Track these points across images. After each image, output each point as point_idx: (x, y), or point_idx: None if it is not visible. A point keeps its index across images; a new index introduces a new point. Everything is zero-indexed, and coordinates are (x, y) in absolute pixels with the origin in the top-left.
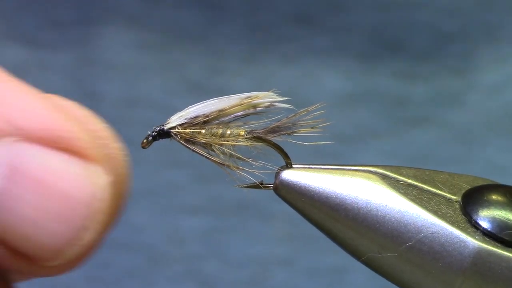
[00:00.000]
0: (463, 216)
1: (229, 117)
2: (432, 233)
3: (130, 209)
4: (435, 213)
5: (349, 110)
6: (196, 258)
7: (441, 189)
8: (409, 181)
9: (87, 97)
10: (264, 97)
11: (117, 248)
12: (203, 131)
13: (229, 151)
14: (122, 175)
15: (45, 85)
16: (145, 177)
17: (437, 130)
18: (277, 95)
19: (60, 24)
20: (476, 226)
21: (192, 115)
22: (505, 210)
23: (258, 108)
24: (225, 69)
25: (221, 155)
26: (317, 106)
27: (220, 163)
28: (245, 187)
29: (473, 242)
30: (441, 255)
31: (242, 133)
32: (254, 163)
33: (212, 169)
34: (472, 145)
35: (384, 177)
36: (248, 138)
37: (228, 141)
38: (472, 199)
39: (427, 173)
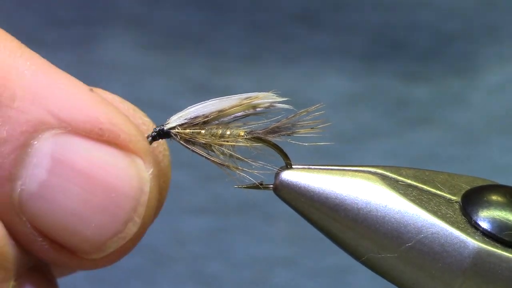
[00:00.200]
0: (463, 217)
1: (229, 117)
2: (432, 234)
3: None
4: (435, 213)
5: (351, 110)
6: (198, 258)
7: (441, 190)
8: (409, 181)
9: None
10: (264, 98)
11: None
12: (203, 131)
13: (228, 151)
14: (164, 167)
15: None
16: None
17: (439, 130)
18: (276, 96)
19: (62, 24)
20: (476, 227)
21: (192, 115)
22: (505, 210)
23: (258, 109)
24: (227, 69)
25: (221, 155)
26: (317, 106)
27: (220, 164)
28: (244, 187)
29: (473, 242)
30: (441, 255)
31: (242, 133)
32: (253, 163)
33: (215, 170)
34: (474, 145)
35: (384, 178)
36: (248, 139)
37: (227, 141)
38: (472, 199)
39: (427, 174)
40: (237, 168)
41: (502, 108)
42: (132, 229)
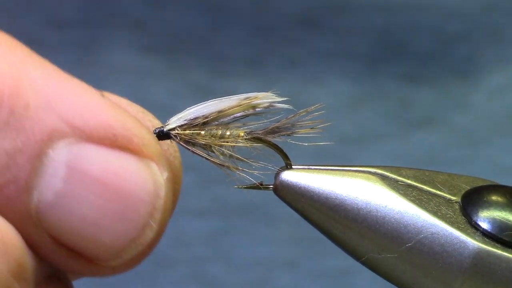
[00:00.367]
0: (463, 217)
1: (228, 118)
2: (432, 234)
3: None
4: (435, 213)
5: (354, 112)
6: (201, 260)
7: (441, 190)
8: (409, 181)
9: None
10: (264, 98)
11: None
12: (202, 132)
13: (228, 152)
14: (176, 170)
15: None
16: None
17: (442, 132)
18: (276, 96)
19: (64, 26)
20: (476, 227)
21: (192, 116)
22: (505, 211)
23: (257, 109)
24: (229, 72)
25: (221, 156)
26: (317, 107)
27: (220, 164)
28: (245, 188)
29: (473, 242)
30: (441, 255)
31: (242, 134)
32: (253, 164)
33: (216, 172)
34: (476, 147)
35: (384, 178)
36: (248, 139)
37: (227, 142)
38: (472, 199)
39: (427, 174)
40: (237, 169)
41: (504, 110)
42: (149, 234)
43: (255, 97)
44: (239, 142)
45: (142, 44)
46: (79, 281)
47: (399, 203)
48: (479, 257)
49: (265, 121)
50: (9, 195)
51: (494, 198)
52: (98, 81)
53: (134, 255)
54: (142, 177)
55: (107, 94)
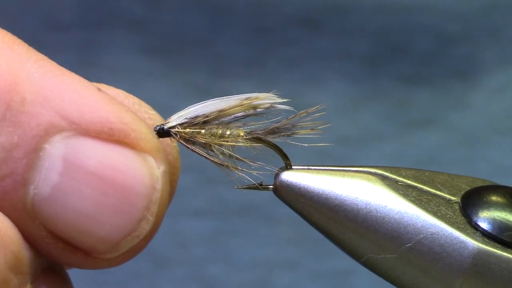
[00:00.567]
0: (463, 217)
1: (229, 117)
2: (431, 234)
3: None
4: (435, 214)
5: (353, 113)
6: (200, 261)
7: (440, 190)
8: (409, 182)
9: None
10: (264, 99)
11: None
12: (202, 131)
13: (228, 151)
14: (174, 161)
15: None
16: None
17: (441, 133)
18: (277, 97)
19: (63, 27)
20: (475, 227)
21: (192, 115)
22: (504, 211)
23: (258, 109)
24: (229, 73)
25: (221, 155)
26: (317, 107)
27: (219, 163)
28: (244, 188)
29: (472, 243)
30: (440, 256)
31: (242, 133)
32: (253, 164)
33: (216, 172)
34: (476, 147)
35: (383, 178)
36: (248, 139)
37: (227, 141)
38: (472, 200)
39: (426, 174)
40: (237, 168)
41: (503, 110)
42: (145, 227)
43: (256, 98)
44: (239, 141)
45: (141, 45)
46: (79, 281)
47: (399, 204)
48: (479, 258)
49: (265, 121)
50: (6, 189)
51: (494, 198)
52: (97, 82)
53: (130, 248)
54: (138, 171)
55: (104, 87)
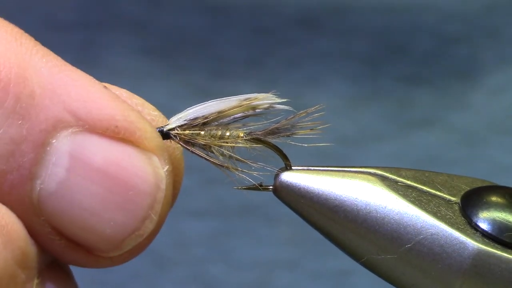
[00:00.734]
0: (463, 218)
1: (228, 118)
2: (431, 235)
3: None
4: (435, 214)
5: (353, 113)
6: (201, 261)
7: (440, 191)
8: (409, 182)
9: None
10: (263, 99)
11: None
12: (202, 132)
13: (228, 152)
14: (177, 162)
15: None
16: None
17: (442, 133)
18: (276, 97)
19: (63, 28)
20: (475, 228)
21: (192, 116)
22: (504, 212)
23: (257, 110)
24: (229, 74)
25: (220, 156)
26: (316, 108)
27: (219, 165)
28: (244, 188)
29: (472, 243)
30: (440, 256)
31: (241, 134)
32: (253, 164)
33: (216, 173)
34: (475, 147)
35: (383, 179)
36: (247, 140)
37: (227, 142)
38: (472, 200)
39: (426, 175)
40: (237, 169)
41: (503, 110)
42: (149, 226)
43: (255, 98)
44: (239, 142)
45: (141, 46)
46: (80, 281)
47: (398, 204)
48: (478, 258)
49: (265, 122)
50: (13, 183)
51: (493, 199)
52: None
53: (133, 247)
54: (143, 169)
55: (109, 86)
